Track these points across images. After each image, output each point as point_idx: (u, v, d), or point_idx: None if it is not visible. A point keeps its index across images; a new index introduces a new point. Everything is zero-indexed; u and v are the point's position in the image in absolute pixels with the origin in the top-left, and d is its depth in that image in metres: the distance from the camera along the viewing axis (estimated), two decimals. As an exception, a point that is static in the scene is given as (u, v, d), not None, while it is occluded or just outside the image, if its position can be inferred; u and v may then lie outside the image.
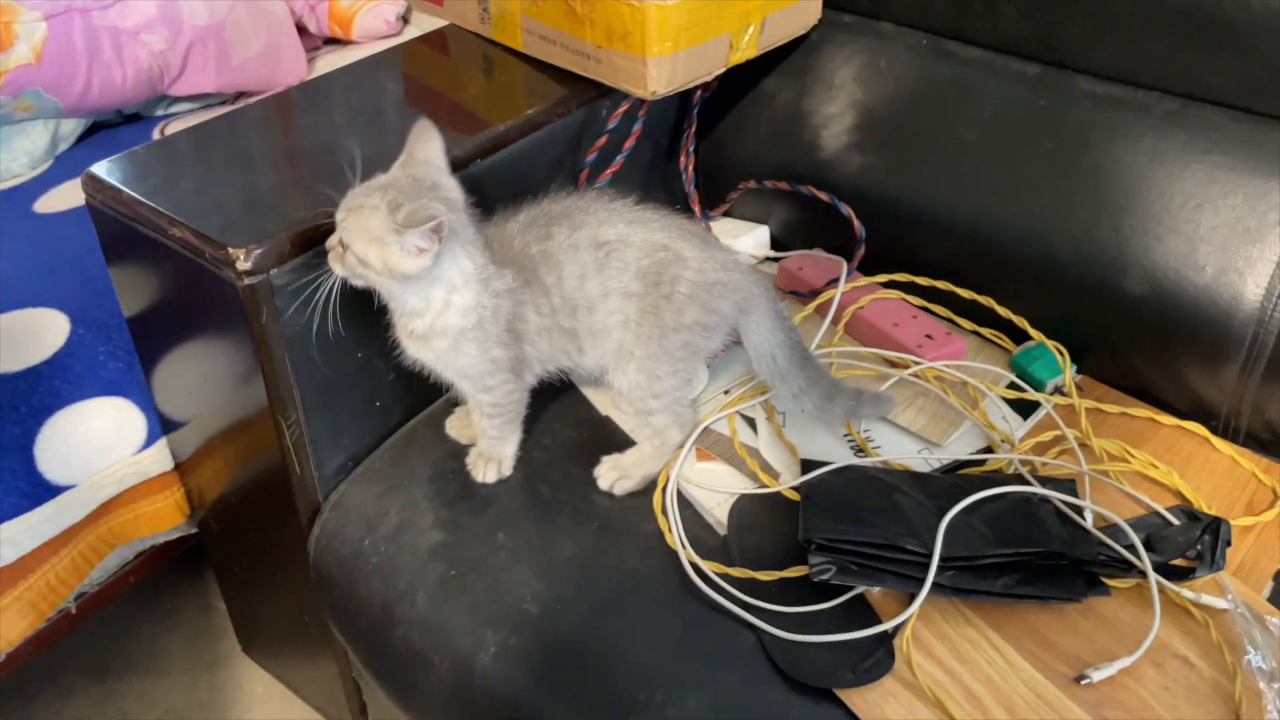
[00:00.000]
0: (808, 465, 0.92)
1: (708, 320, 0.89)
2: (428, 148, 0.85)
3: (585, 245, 0.87)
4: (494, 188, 0.96)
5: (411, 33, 1.79)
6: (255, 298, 0.85)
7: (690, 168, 1.26)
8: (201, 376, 1.00)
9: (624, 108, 1.11)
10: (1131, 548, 0.81)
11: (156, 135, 1.50)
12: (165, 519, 1.15)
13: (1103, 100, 1.03)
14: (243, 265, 0.83)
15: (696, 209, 1.26)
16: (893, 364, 1.05)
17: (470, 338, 0.86)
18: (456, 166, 0.89)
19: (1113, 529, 0.83)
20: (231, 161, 1.00)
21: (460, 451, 0.98)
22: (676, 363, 0.90)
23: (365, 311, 0.91)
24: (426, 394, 1.03)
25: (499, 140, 1.02)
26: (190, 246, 0.86)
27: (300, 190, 0.95)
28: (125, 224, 0.92)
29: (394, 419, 1.03)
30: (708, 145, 1.28)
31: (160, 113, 1.56)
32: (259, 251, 0.84)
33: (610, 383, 0.93)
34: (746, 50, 1.09)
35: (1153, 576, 0.79)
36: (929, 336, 1.06)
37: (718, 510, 0.90)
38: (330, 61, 1.72)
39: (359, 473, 0.99)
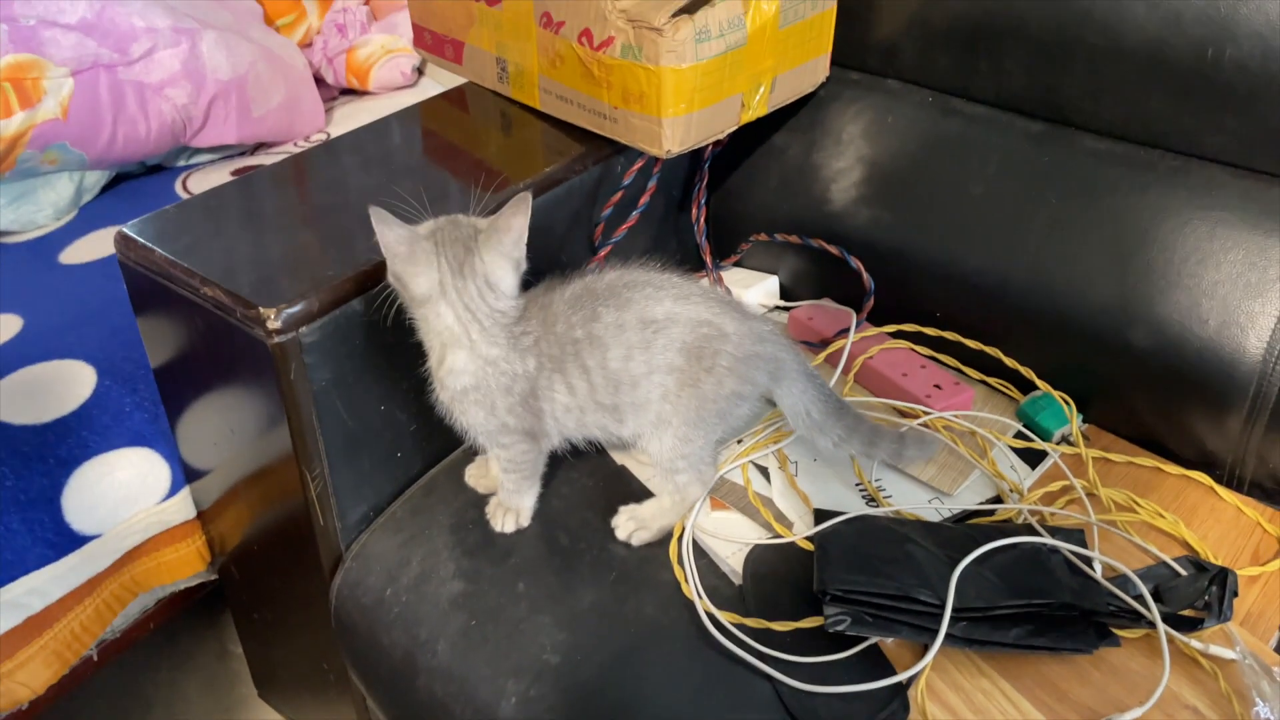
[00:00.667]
0: (821, 515, 0.93)
1: (743, 390, 0.91)
2: (511, 220, 0.85)
3: (632, 325, 0.88)
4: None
5: (426, 84, 1.83)
6: (284, 355, 0.87)
7: (702, 220, 1.28)
8: (227, 428, 1.02)
9: (639, 164, 1.14)
10: (1140, 598, 0.82)
11: (178, 186, 1.53)
12: (187, 566, 1.17)
13: (1106, 157, 1.06)
14: (273, 324, 0.86)
15: (708, 260, 1.29)
16: (902, 413, 1.07)
17: (472, 400, 0.88)
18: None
19: (1121, 579, 0.84)
20: (259, 220, 1.03)
21: (480, 500, 1.00)
22: (709, 429, 0.91)
23: (387, 362, 0.94)
24: (446, 443, 1.05)
25: (518, 196, 1.04)
26: (221, 305, 0.89)
27: (327, 248, 0.97)
28: (156, 281, 0.94)
29: (414, 468, 1.05)
30: (719, 198, 1.31)
31: (182, 164, 1.60)
32: (289, 311, 0.86)
33: (644, 448, 0.94)
34: (758, 109, 1.12)
35: (1161, 627, 0.81)
36: (937, 386, 1.08)
37: (733, 560, 0.92)
38: (348, 112, 1.75)
39: (380, 522, 1.01)
